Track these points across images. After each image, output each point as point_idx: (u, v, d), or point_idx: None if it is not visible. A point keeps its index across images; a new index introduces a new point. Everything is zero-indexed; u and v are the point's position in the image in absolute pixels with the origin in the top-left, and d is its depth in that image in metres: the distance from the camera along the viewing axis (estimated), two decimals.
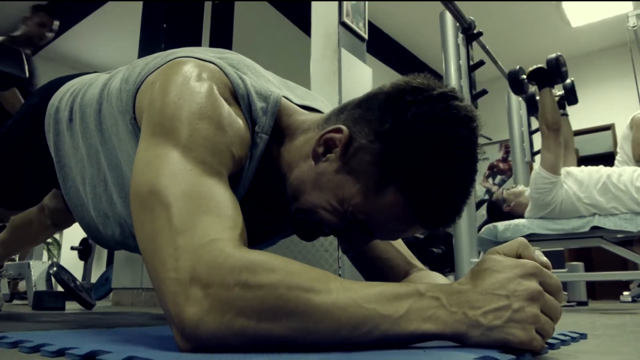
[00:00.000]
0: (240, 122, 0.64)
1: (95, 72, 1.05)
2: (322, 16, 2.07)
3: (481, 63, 2.34)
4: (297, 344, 0.47)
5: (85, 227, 0.94)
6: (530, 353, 0.49)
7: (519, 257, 0.52)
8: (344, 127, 0.63)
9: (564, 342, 0.65)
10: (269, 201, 0.78)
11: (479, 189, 6.11)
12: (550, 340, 0.60)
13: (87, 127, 0.84)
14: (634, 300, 3.55)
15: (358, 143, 0.62)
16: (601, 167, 2.32)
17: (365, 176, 0.61)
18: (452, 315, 0.49)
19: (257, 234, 0.86)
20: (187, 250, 0.48)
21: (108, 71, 0.96)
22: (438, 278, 0.78)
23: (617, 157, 3.01)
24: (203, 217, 0.51)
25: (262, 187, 0.74)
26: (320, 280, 0.48)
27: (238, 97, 0.66)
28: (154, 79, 0.67)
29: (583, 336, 0.76)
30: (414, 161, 0.58)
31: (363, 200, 0.61)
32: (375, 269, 0.84)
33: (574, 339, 0.71)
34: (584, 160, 4.34)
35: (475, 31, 2.38)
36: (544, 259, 0.52)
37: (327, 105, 0.85)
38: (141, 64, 0.75)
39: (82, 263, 4.56)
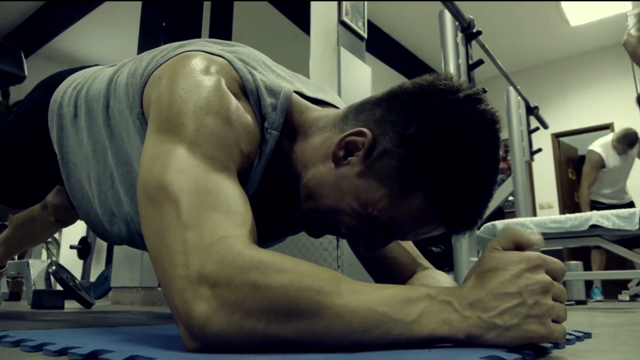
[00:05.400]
0: (248, 117, 0.62)
1: (96, 64, 1.02)
2: (322, 15, 2.06)
3: (480, 62, 2.35)
4: (307, 346, 0.46)
5: (90, 224, 0.92)
6: (537, 351, 0.49)
7: (517, 246, 0.51)
8: (366, 131, 0.62)
9: (568, 341, 0.65)
10: (278, 199, 0.77)
11: None
12: None
13: (94, 122, 0.82)
14: (632, 299, 3.56)
15: (382, 147, 0.61)
16: None
17: (391, 181, 0.60)
18: (466, 320, 0.48)
19: (265, 232, 0.85)
20: (195, 247, 0.47)
21: (111, 64, 0.93)
22: (442, 277, 0.77)
23: None
24: (212, 213, 0.50)
25: (272, 185, 0.72)
26: (331, 282, 0.47)
27: (247, 92, 0.64)
28: (161, 73, 0.65)
29: (587, 335, 0.76)
30: (441, 167, 0.57)
31: (388, 204, 0.60)
32: (382, 268, 0.84)
33: (578, 338, 0.71)
34: (583, 159, 4.34)
35: (474, 30, 2.38)
36: (535, 237, 0.51)
37: (339, 99, 0.83)
38: (148, 57, 0.73)
39: (81, 262, 4.56)
